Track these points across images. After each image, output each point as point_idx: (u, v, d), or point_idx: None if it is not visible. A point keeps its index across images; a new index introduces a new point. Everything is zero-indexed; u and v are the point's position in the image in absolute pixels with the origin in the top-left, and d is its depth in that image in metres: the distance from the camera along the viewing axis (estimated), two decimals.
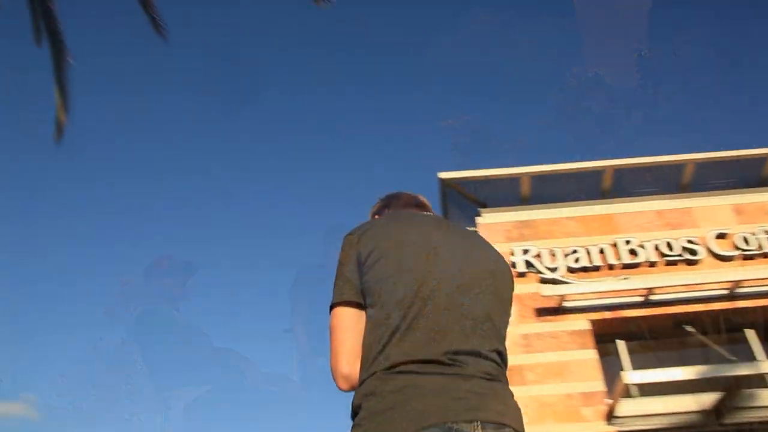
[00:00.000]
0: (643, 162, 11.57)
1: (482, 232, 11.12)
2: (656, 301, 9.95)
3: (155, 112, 30.64)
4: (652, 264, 10.43)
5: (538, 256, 10.63)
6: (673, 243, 10.50)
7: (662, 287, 9.88)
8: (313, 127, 32.40)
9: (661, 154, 11.60)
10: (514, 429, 1.43)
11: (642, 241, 10.58)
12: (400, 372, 1.44)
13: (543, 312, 10.04)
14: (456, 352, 1.47)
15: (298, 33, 31.11)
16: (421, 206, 2.02)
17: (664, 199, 11.28)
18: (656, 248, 10.52)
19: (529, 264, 10.56)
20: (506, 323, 1.67)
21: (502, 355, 1.58)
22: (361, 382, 1.49)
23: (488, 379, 1.47)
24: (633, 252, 10.53)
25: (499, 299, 1.66)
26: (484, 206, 11.72)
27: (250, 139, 31.29)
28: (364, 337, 1.55)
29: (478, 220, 11.33)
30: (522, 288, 10.34)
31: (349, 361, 1.53)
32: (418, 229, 1.72)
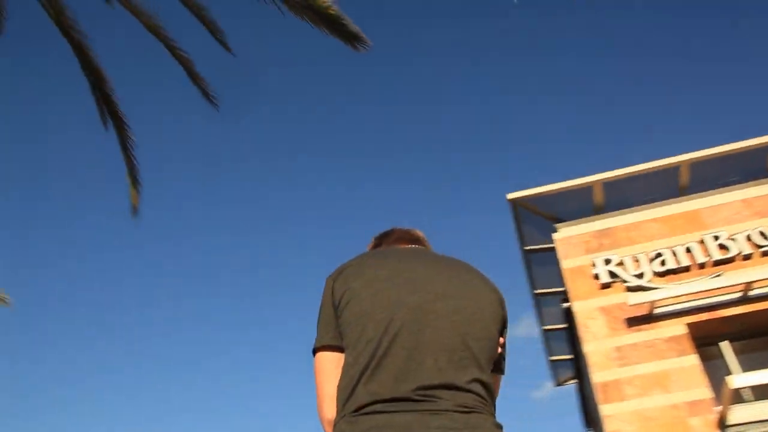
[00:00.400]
0: (721, 151, 10.99)
1: (560, 248, 10.81)
2: (756, 296, 9.35)
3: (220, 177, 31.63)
4: (747, 257, 9.83)
5: (621, 264, 10.22)
6: (767, 231, 9.89)
7: (761, 280, 9.28)
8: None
9: (740, 140, 11.01)
10: None
11: (732, 234, 10.02)
12: (366, 413, 1.39)
13: (634, 321, 9.58)
14: (428, 387, 1.41)
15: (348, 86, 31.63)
16: (414, 240, 1.97)
17: (750, 186, 10.67)
18: (748, 239, 9.93)
19: (612, 274, 10.15)
20: (491, 349, 1.58)
21: (486, 385, 1.50)
22: (334, 425, 1.45)
23: (464, 412, 1.40)
24: (723, 247, 9.97)
25: (479, 326, 1.57)
26: (559, 221, 11.39)
27: (295, 207, 31.82)
28: (339, 381, 1.52)
29: (555, 236, 11.02)
30: (608, 299, 9.93)
31: (330, 407, 1.51)
32: (394, 264, 1.67)
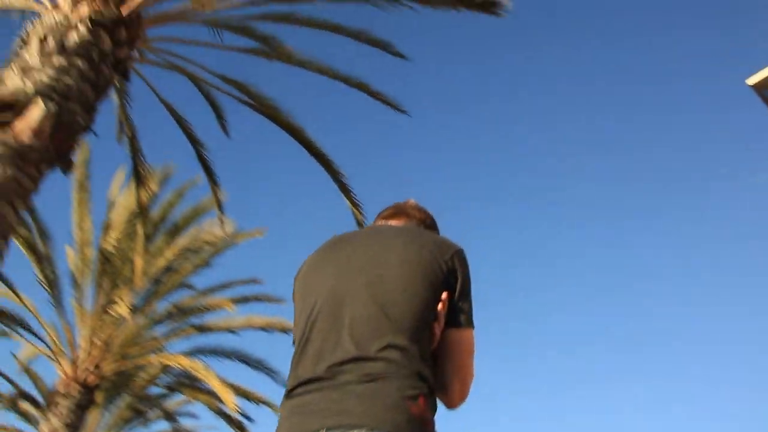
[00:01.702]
0: None
1: None
2: None
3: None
4: None
5: None
6: None
7: None
8: None
9: None
10: (369, 428, 1.35)
11: None
12: (290, 397, 1.50)
13: None
14: (338, 364, 1.46)
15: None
16: (392, 216, 1.97)
17: None
18: None
19: None
20: (417, 312, 1.54)
21: (403, 348, 1.47)
22: None
23: (367, 381, 1.42)
24: None
25: (400, 290, 1.56)
26: None
27: None
28: None
29: None
30: None
31: None
32: (327, 253, 1.74)
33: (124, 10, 6.59)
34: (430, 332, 1.55)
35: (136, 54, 7.35)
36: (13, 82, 5.78)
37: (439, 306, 1.57)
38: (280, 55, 8.67)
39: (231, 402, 9.73)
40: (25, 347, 12.51)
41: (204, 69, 8.44)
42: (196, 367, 9.99)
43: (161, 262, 11.65)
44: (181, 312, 11.65)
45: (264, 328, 11.19)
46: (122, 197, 11.95)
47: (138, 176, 9.01)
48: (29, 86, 5.75)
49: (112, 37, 6.41)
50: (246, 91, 8.75)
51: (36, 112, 5.68)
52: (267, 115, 8.82)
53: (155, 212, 11.83)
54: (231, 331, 11.25)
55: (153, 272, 11.72)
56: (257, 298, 11.91)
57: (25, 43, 6.13)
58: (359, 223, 8.91)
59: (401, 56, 8.70)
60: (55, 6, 6.40)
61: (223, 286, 11.99)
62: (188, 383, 11.87)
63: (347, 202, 8.91)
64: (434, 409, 1.51)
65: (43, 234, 11.08)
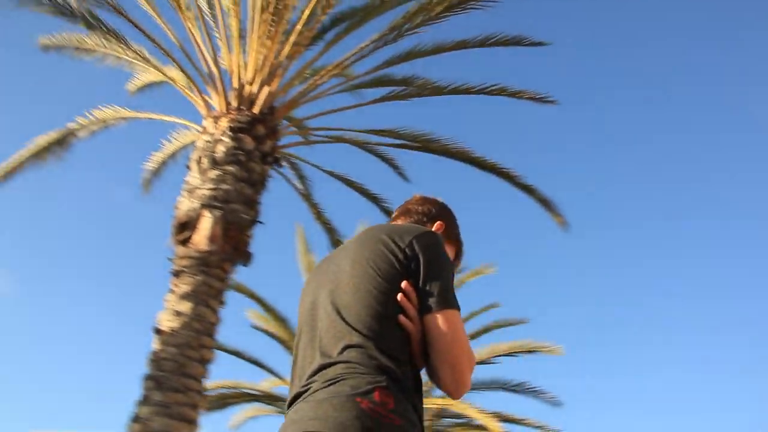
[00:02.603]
0: None
1: None
2: None
3: None
4: None
5: None
6: None
7: None
8: None
9: None
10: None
11: None
12: (287, 414, 1.54)
13: None
14: (310, 376, 1.51)
15: None
16: (398, 216, 1.97)
17: None
18: None
19: None
20: (371, 307, 1.53)
21: (357, 345, 1.49)
22: None
23: (327, 386, 1.44)
24: None
25: (352, 290, 1.57)
26: None
27: None
28: None
29: None
30: None
31: None
32: (318, 268, 1.78)
33: (256, 109, 7.38)
34: (396, 324, 1.53)
35: (285, 137, 8.14)
36: (184, 204, 6.78)
37: (398, 296, 1.54)
38: (426, 90, 8.82)
39: (496, 429, 9.76)
40: None
41: (356, 131, 8.98)
42: (452, 404, 10.22)
43: None
44: None
45: (510, 354, 11.08)
46: None
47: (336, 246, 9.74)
48: (196, 203, 6.68)
49: (252, 136, 7.20)
50: (411, 137, 8.97)
51: (206, 222, 6.58)
52: (446, 154, 8.91)
53: None
54: (482, 362, 11.31)
55: None
56: (498, 326, 11.92)
57: (189, 168, 7.16)
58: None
59: (542, 44, 8.37)
60: (204, 130, 7.40)
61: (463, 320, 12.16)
62: (453, 423, 12.11)
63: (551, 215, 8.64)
64: (402, 398, 1.46)
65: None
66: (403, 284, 1.54)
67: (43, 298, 30.21)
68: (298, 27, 7.61)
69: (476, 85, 8.42)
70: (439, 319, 1.53)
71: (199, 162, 7.03)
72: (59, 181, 30.49)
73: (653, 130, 29.36)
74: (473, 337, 11.56)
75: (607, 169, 30.47)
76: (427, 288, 1.55)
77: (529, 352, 10.79)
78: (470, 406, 9.98)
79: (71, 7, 7.43)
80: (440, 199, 2.03)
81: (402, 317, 1.53)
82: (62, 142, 8.44)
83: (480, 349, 11.30)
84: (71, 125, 8.59)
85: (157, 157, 9.78)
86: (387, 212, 9.59)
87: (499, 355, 10.98)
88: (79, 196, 29.92)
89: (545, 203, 8.57)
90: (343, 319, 1.53)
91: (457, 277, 12.35)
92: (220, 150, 7.02)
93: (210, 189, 6.75)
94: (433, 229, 1.86)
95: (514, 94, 8.45)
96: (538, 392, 11.61)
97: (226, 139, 7.08)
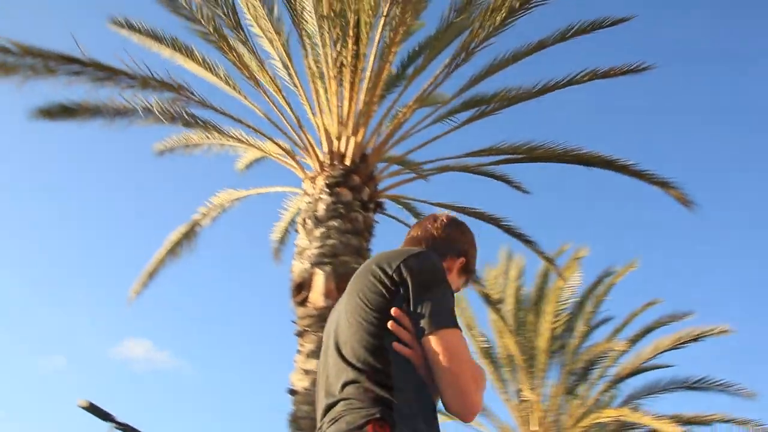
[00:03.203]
0: None
1: None
2: None
3: None
4: None
5: None
6: None
7: None
8: None
9: None
10: None
11: None
12: None
13: None
14: (321, 418, 1.58)
15: None
16: (412, 229, 1.99)
17: None
18: None
19: None
20: (362, 340, 1.56)
21: (354, 381, 1.53)
22: None
23: (331, 425, 1.49)
24: None
25: (345, 326, 1.61)
26: None
27: None
28: None
29: None
30: None
31: None
32: (340, 300, 1.77)
33: (348, 161, 7.56)
34: (394, 353, 1.53)
35: (386, 179, 8.24)
36: (297, 266, 7.04)
37: (389, 324, 1.54)
38: (512, 98, 8.57)
39: None
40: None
41: (456, 156, 8.88)
42: (624, 414, 9.56)
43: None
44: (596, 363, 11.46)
45: (675, 347, 10.22)
46: None
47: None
48: (306, 264, 6.92)
49: (348, 187, 7.37)
50: (511, 149, 8.77)
51: (319, 279, 6.77)
52: (553, 159, 8.62)
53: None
54: (641, 370, 10.58)
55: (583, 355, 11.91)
56: (660, 324, 11.09)
57: (297, 232, 7.45)
58: None
59: (624, 20, 7.90)
60: (304, 192, 7.69)
61: (621, 325, 11.50)
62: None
63: None
64: (402, 425, 1.47)
65: None
66: (393, 311, 1.54)
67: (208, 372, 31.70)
68: (372, 77, 7.70)
69: (563, 78, 8.08)
70: (433, 341, 1.51)
71: (304, 224, 7.29)
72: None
73: None
74: (635, 339, 10.85)
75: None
76: (419, 311, 1.53)
77: (696, 339, 9.87)
78: (644, 414, 9.28)
79: (170, 111, 8.07)
80: (449, 213, 2.02)
81: (396, 344, 1.52)
82: (190, 234, 9.13)
83: (642, 349, 10.60)
84: (195, 216, 9.28)
85: (279, 226, 10.28)
86: (508, 231, 9.31)
87: (664, 351, 10.18)
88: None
89: (664, 185, 7.95)
90: (342, 356, 1.57)
91: (605, 282, 11.73)
92: (321, 208, 7.24)
93: (317, 247, 6.96)
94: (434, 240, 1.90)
95: (606, 74, 7.98)
96: (725, 385, 10.62)
97: (325, 196, 7.30)
